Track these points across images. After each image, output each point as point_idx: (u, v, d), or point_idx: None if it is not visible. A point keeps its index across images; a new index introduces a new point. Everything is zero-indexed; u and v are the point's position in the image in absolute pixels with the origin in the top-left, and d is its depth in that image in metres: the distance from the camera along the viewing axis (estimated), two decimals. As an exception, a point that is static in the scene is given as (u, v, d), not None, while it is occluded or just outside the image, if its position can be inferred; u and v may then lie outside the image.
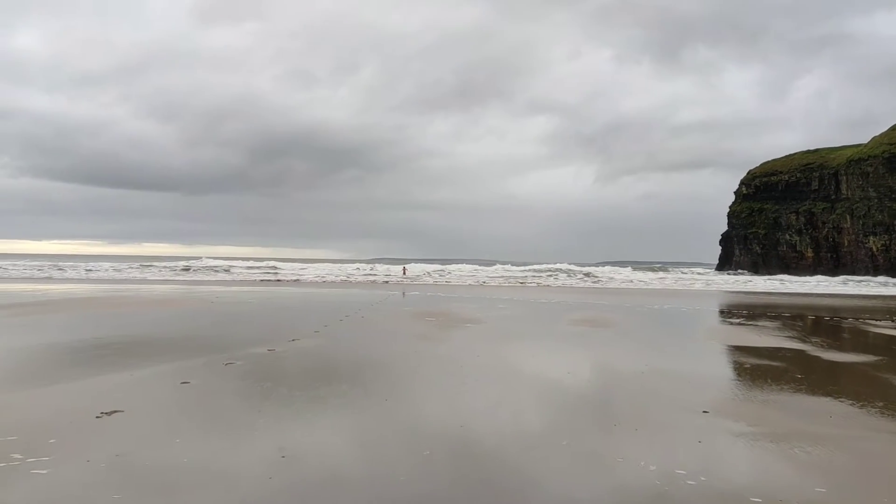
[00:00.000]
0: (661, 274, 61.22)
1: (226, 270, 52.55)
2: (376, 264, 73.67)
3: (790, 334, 14.51)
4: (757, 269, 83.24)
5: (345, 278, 46.34)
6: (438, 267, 62.82)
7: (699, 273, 69.45)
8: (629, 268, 67.76)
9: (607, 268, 64.43)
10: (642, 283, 47.56)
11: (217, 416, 6.24)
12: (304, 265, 62.98)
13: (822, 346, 12.46)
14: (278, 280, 42.85)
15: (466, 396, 7.38)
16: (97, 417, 5.99)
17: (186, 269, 51.93)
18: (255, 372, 8.53)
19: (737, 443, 5.78)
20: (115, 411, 6.23)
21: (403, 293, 29.59)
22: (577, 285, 42.97)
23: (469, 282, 44.61)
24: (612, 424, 6.26)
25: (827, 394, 7.94)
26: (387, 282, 42.89)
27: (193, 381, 7.80)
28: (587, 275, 54.70)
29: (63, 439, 5.31)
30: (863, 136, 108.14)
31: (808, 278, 59.23)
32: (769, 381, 8.71)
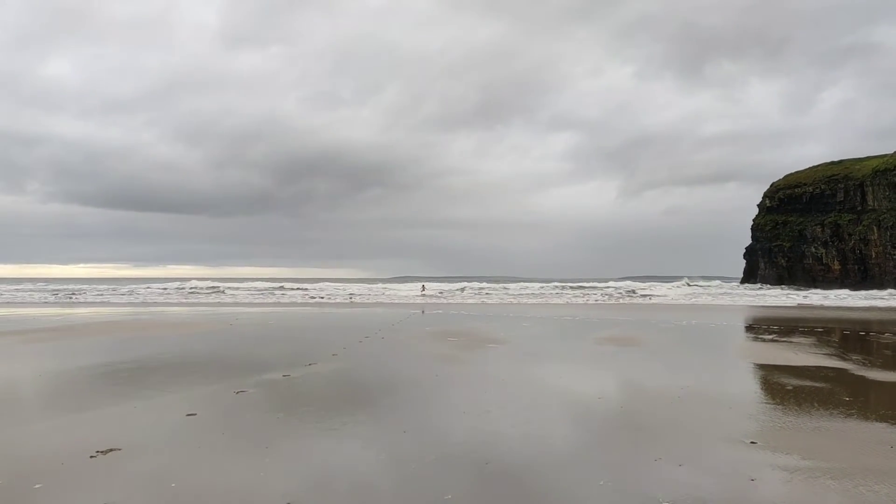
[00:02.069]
0: (685, 288, 60.07)
1: (220, 291, 52.54)
2: (396, 283, 73.40)
3: (828, 351, 13.76)
4: (782, 282, 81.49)
5: (365, 297, 46.03)
6: (459, 284, 62.30)
7: (724, 287, 68.06)
8: (637, 281, 66.63)
9: (629, 282, 63.39)
10: (666, 297, 46.59)
11: (220, 455, 5.75)
12: (324, 284, 62.78)
13: (864, 364, 11.72)
14: (302, 300, 42.66)
15: (491, 426, 6.82)
16: (91, 457, 5.53)
17: (213, 290, 52.01)
18: (267, 401, 8.07)
19: (793, 480, 5.15)
20: (112, 449, 5.77)
21: (423, 312, 29.11)
22: (601, 301, 42.17)
23: (491, 299, 44.02)
24: (652, 458, 5.65)
25: (881, 419, 7.27)
26: (407, 301, 42.47)
27: (201, 412, 7.34)
28: (611, 291, 53.79)
29: (51, 484, 4.84)
30: (889, 147, 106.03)
31: (836, 291, 57.68)
32: (816, 404, 8.05)
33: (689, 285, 67.11)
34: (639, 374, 10.74)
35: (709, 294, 51.86)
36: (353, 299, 44.14)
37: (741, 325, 22.53)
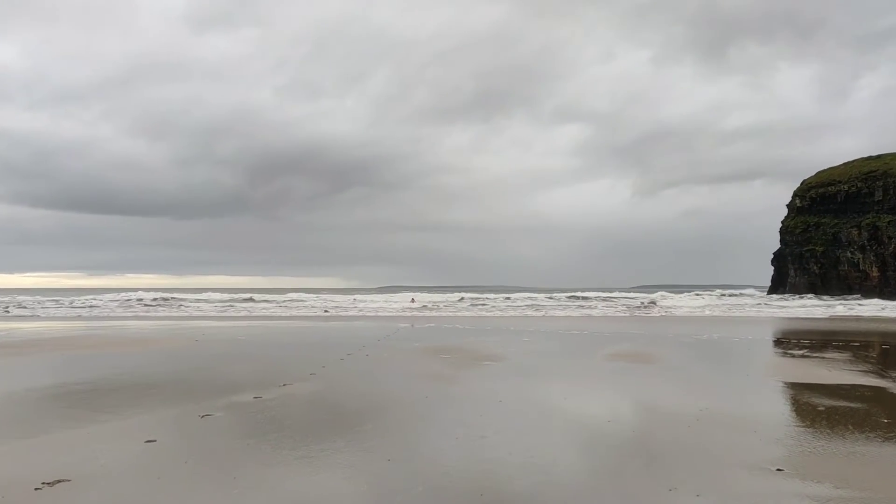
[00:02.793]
0: (706, 299, 60.29)
1: (185, 303, 52.41)
2: (382, 293, 73.39)
3: (865, 368, 13.84)
4: (815, 290, 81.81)
5: (346, 309, 46.01)
6: (453, 295, 62.33)
7: (750, 297, 68.41)
8: (652, 291, 66.85)
9: (643, 292, 63.56)
10: (686, 308, 46.74)
11: (182, 487, 5.73)
12: (301, 295, 62.69)
13: (906, 382, 11.79)
14: (277, 313, 42.60)
15: (487, 453, 6.83)
16: (37, 489, 5.50)
17: (177, 302, 51.89)
18: (236, 425, 8.06)
19: (825, 511, 5.18)
20: (60, 480, 5.74)
21: (413, 326, 29.11)
22: (611, 313, 42.27)
23: (488, 311, 44.06)
24: (667, 488, 5.67)
25: (924, 443, 7.31)
26: (394, 313, 42.45)
27: (161, 438, 7.33)
28: (623, 302, 53.92)
29: (-10, 519, 4.83)
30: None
31: (875, 301, 57.96)
32: (850, 427, 8.09)
33: (720, 296, 67.35)
34: (653, 393, 10.76)
35: (732, 305, 52.06)
36: (328, 312, 44.12)
37: (768, 339, 22.61)
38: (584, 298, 58.77)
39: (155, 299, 54.36)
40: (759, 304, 54.33)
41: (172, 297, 55.97)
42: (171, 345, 19.35)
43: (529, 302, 53.79)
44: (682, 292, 70.47)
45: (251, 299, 56.22)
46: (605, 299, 57.69)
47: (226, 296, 60.62)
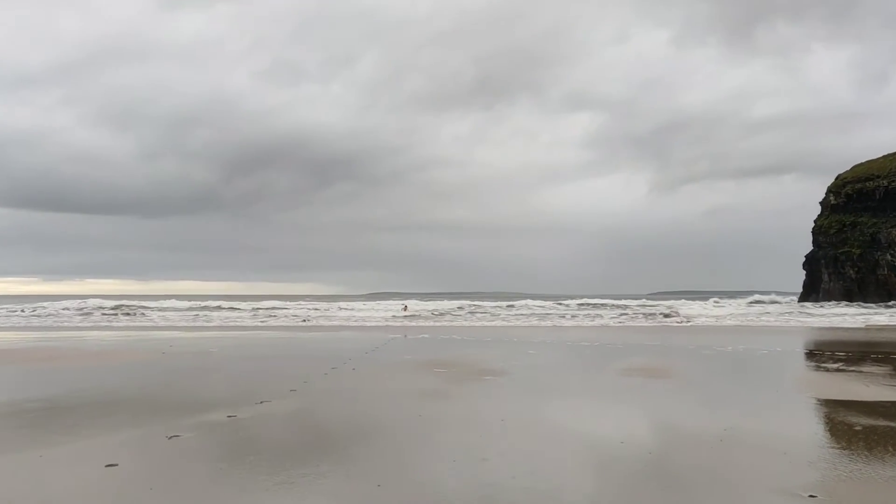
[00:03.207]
0: (730, 307, 60.41)
1: (151, 311, 52.34)
2: (371, 300, 73.35)
3: (907, 383, 13.87)
4: (851, 297, 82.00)
5: (330, 318, 45.99)
6: (450, 303, 62.31)
7: (779, 304, 68.51)
8: (671, 298, 66.92)
9: (661, 299, 63.62)
10: (708, 318, 46.84)
11: (149, 513, 5.72)
12: (281, 303, 62.66)
13: (952, 399, 11.83)
14: (253, 323, 42.57)
15: (488, 478, 6.83)
16: (-16, 519, 5.51)
17: (143, 310, 51.80)
18: (206, 448, 8.05)
19: (862, 542, 5.18)
20: (11, 509, 5.74)
21: (405, 336, 29.08)
22: (625, 323, 42.33)
23: (489, 320, 44.07)
24: (686, 517, 5.67)
25: (972, 466, 7.33)
26: (384, 323, 42.45)
27: (124, 462, 7.31)
28: (639, 310, 53.97)
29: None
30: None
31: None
32: (891, 449, 8.11)
33: (746, 303, 67.50)
34: (671, 412, 10.78)
35: (759, 313, 52.14)
36: (307, 321, 44.12)
37: (799, 351, 22.67)
38: (595, 306, 58.77)
39: (117, 307, 54.28)
40: (789, 312, 54.43)
41: (137, 305, 55.87)
42: (134, 358, 19.32)
43: (534, 310, 53.80)
44: (703, 299, 70.58)
45: (219, 307, 56.17)
46: (617, 307, 57.68)
47: (196, 304, 60.49)
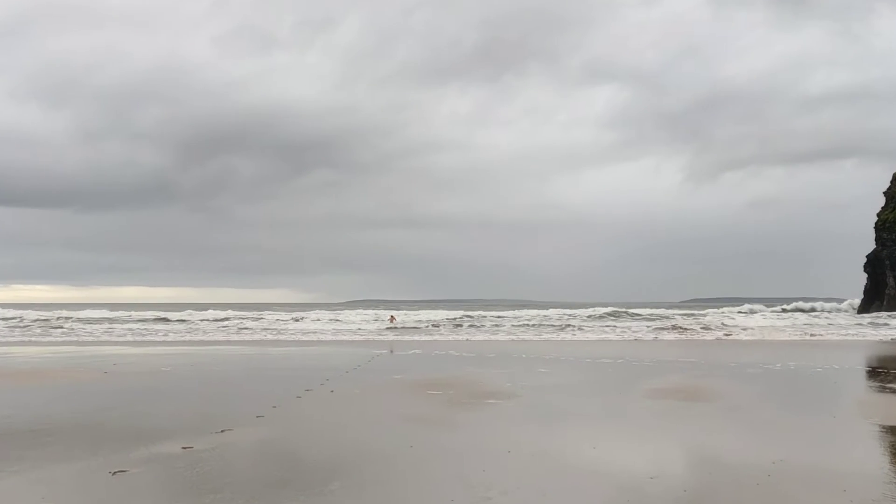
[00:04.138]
0: (780, 317, 60.50)
1: (92, 323, 52.28)
2: (353, 308, 73.42)
3: None
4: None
5: (304, 331, 45.97)
6: (448, 313, 62.38)
7: (837, 313, 68.66)
8: (710, 306, 67.02)
9: (700, 309, 63.66)
10: (753, 329, 46.89)
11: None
12: (249, 313, 62.69)
13: None
14: (213, 336, 42.52)
15: (491, 520, 6.84)
16: None
17: (82, 322, 51.74)
18: (158, 485, 8.05)
19: None
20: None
21: (392, 352, 29.07)
22: (655, 336, 42.33)
23: (492, 334, 44.08)
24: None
25: None
26: (368, 336, 42.44)
27: (59, 501, 7.31)
28: (672, 320, 54.04)
29: None
30: None
31: None
32: (970, 484, 8.13)
33: (799, 312, 67.62)
34: (710, 441, 10.80)
35: (814, 324, 52.24)
36: (270, 336, 44.09)
37: (860, 369, 22.70)
38: (619, 316, 58.89)
39: (50, 318, 54.22)
40: (849, 322, 54.53)
41: (73, 317, 55.81)
42: (71, 378, 19.27)
43: (546, 321, 53.85)
44: (747, 308, 70.69)
45: (172, 318, 56.16)
46: (645, 318, 57.79)
47: (145, 314, 60.49)
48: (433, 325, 51.43)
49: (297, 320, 55.54)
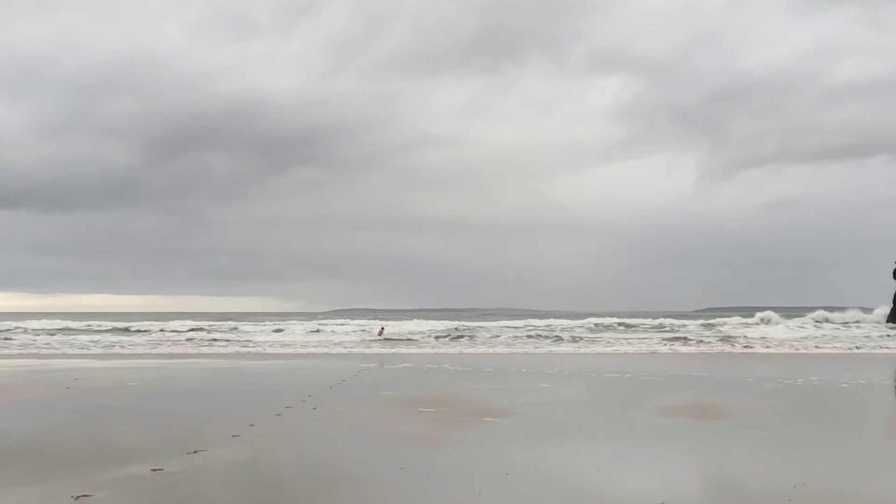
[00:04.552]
0: (801, 328, 60.59)
1: (52, 333, 52.16)
2: (337, 318, 73.34)
3: None
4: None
5: (284, 343, 45.93)
6: (439, 323, 62.37)
7: (864, 324, 68.73)
8: (725, 315, 67.14)
9: (714, 319, 63.78)
10: (773, 341, 46.95)
11: None
12: (227, 324, 62.61)
13: None
14: (185, 348, 42.46)
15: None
16: None
17: (20, 333, 51.62)
18: (124, 510, 8.02)
19: None
20: None
21: (382, 365, 29.05)
22: (666, 348, 42.40)
23: (489, 346, 44.10)
24: None
25: None
26: (354, 348, 42.41)
27: (16, 529, 7.29)
28: (684, 331, 54.11)
29: None
30: None
31: None
32: None
33: (821, 323, 67.69)
34: (726, 463, 10.81)
35: (839, 335, 52.31)
36: (246, 348, 44.05)
37: (889, 385, 22.74)
38: (627, 327, 58.93)
39: (9, 329, 54.11)
40: (878, 334, 54.62)
41: (32, 327, 55.68)
42: (30, 394, 19.25)
43: (548, 332, 53.88)
44: (765, 317, 70.76)
45: (131, 330, 56.10)
46: (656, 328, 57.87)
47: (110, 324, 60.40)
48: (425, 337, 51.41)
49: (276, 331, 55.53)
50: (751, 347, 42.96)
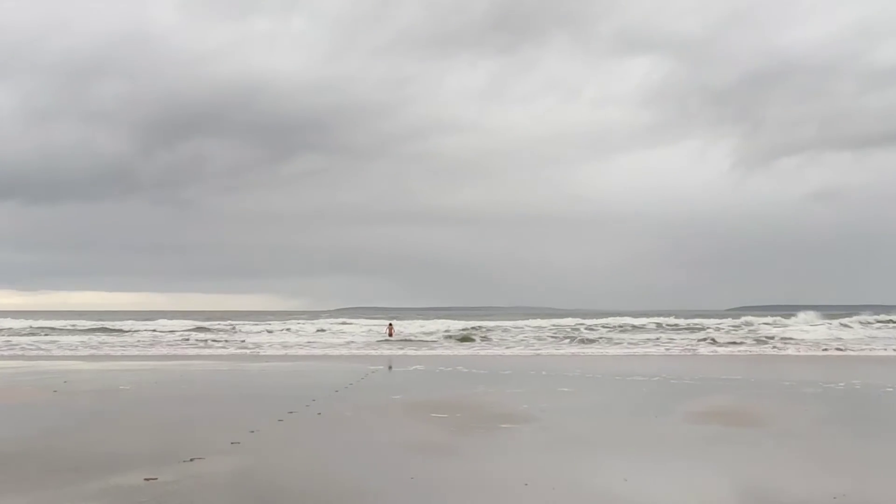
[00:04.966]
0: (844, 328, 60.32)
1: (39, 333, 52.30)
2: (343, 317, 73.39)
3: None
4: None
5: (287, 344, 45.97)
6: (453, 322, 62.34)
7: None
8: (762, 314, 66.86)
9: (748, 317, 63.54)
10: (812, 342, 46.74)
11: None
12: (226, 324, 62.76)
13: None
14: (182, 349, 42.55)
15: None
16: None
17: (5, 333, 51.81)
18: (116, 522, 8.04)
19: None
20: None
21: (391, 368, 29.05)
22: (697, 350, 42.27)
23: (506, 348, 44.06)
24: None
25: None
26: (361, 350, 42.41)
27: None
28: (717, 331, 53.92)
29: None
30: None
31: None
32: None
33: (865, 323, 67.39)
34: (761, 473, 10.77)
35: (883, 336, 52.02)
36: (254, 351, 44.11)
37: (938, 390, 22.57)
38: (656, 327, 58.77)
39: (16, 330, 54.37)
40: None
41: (18, 327, 55.89)
42: (15, 398, 19.33)
43: (569, 332, 53.78)
44: (804, 317, 70.48)
45: (124, 331, 56.18)
46: (686, 328, 57.70)
47: (101, 323, 60.58)
48: (437, 337, 51.36)
49: (278, 331, 55.59)
50: (788, 349, 42.83)
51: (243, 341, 48.18)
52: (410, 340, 49.67)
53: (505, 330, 55.28)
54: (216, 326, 58.78)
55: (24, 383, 23.14)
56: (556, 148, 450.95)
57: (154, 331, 55.29)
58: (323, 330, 57.15)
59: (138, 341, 48.20)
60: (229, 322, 64.96)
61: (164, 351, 41.58)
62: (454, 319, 69.31)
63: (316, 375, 26.53)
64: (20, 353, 40.09)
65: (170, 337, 51.40)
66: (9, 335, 51.51)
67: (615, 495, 9.47)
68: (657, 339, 49.92)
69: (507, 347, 43.79)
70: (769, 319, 63.83)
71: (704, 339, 49.13)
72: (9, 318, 66.70)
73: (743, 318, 63.04)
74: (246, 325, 60.31)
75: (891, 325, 66.39)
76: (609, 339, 49.31)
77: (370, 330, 56.22)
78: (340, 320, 68.50)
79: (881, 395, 20.52)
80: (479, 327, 57.12)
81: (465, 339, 50.25)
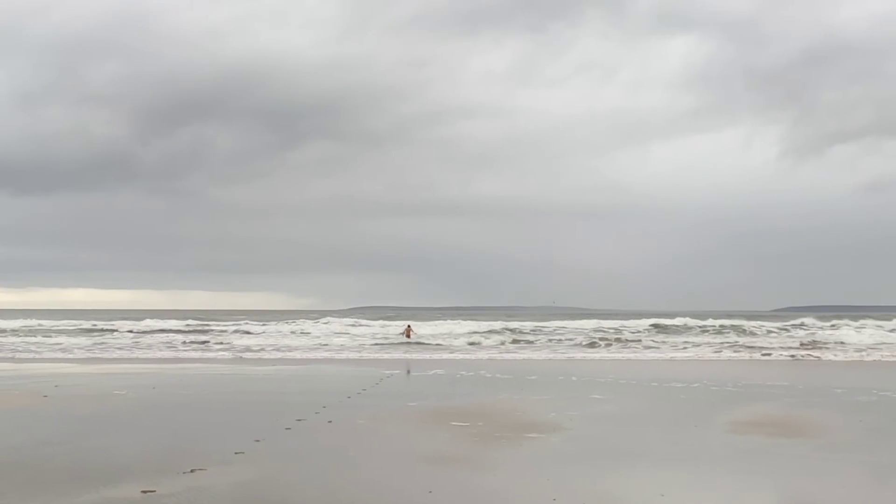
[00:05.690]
0: (892, 331, 60.04)
1: (30, 333, 52.55)
2: (356, 317, 73.53)
3: None
4: None
5: (292, 348, 46.05)
6: (476, 323, 62.34)
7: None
8: (813, 315, 66.56)
9: (797, 320, 63.34)
10: (864, 347, 46.54)
11: None
12: (230, 324, 62.97)
13: None
14: (182, 352, 42.69)
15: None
16: None
17: (14, 333, 52.10)
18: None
19: None
20: None
21: (407, 372, 29.07)
22: (740, 355, 42.16)
23: (533, 351, 44.03)
24: None
25: None
26: (376, 353, 42.44)
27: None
28: (763, 334, 53.69)
29: None
30: None
31: None
32: None
33: None
34: (810, 488, 10.76)
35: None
36: (259, 353, 44.19)
37: None
38: (694, 329, 58.62)
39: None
40: None
41: (7, 328, 56.22)
42: (4, 403, 19.41)
43: (601, 334, 53.71)
44: (858, 318, 70.19)
45: (120, 331, 56.37)
46: (728, 330, 57.52)
47: (95, 323, 60.88)
48: (459, 340, 51.39)
49: (286, 332, 55.72)
50: (838, 353, 42.63)
51: (250, 343, 48.29)
52: (429, 343, 49.70)
53: (532, 332, 55.31)
54: (219, 326, 58.95)
55: (13, 387, 23.23)
56: (589, 135, 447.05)
57: (152, 331, 55.52)
58: (334, 331, 57.22)
59: (134, 342, 48.39)
60: (233, 321, 65.17)
61: (163, 353, 41.67)
62: (477, 320, 69.41)
63: (326, 380, 26.58)
64: (8, 354, 40.19)
65: (169, 338, 51.50)
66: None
67: (651, 512, 9.47)
68: (696, 342, 49.83)
69: (533, 350, 43.78)
70: (818, 321, 63.61)
71: (747, 343, 49.02)
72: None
73: (798, 321, 62.86)
74: (251, 326, 60.42)
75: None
76: (644, 342, 49.21)
77: (385, 331, 56.32)
78: (352, 320, 68.59)
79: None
80: (504, 329, 57.12)
81: (495, 341, 50.26)
